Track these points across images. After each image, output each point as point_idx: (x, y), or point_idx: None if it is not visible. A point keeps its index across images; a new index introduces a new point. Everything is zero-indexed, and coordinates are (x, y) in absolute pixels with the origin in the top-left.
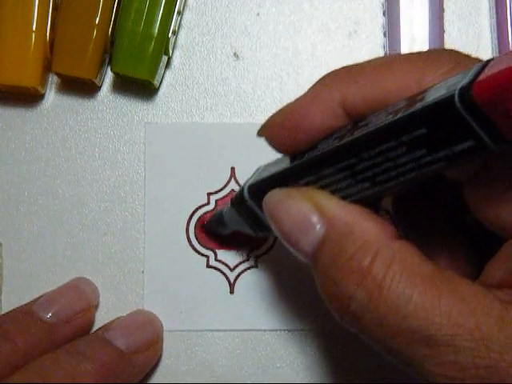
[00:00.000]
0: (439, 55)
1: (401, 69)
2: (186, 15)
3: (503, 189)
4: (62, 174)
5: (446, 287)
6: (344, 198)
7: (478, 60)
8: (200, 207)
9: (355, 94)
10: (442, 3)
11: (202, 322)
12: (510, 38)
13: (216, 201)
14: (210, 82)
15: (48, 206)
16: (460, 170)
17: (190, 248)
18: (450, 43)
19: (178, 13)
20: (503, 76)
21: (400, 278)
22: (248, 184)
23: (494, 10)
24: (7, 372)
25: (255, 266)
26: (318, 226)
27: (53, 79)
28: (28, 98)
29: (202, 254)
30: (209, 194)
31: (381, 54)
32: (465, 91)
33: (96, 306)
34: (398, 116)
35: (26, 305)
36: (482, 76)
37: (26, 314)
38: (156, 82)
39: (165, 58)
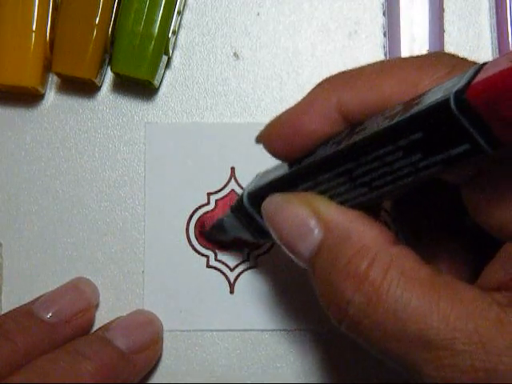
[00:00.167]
0: (436, 59)
1: (397, 73)
2: (186, 15)
3: (501, 191)
4: (62, 174)
5: (444, 291)
6: (342, 203)
7: (474, 63)
8: (200, 207)
9: (352, 99)
10: (441, 3)
11: (202, 322)
12: (510, 38)
13: (216, 201)
14: (209, 82)
15: (48, 206)
16: (457, 173)
17: (190, 248)
18: (450, 43)
19: (178, 13)
20: (497, 79)
21: (398, 283)
22: (247, 191)
23: (494, 10)
24: (7, 372)
25: (255, 266)
26: (316, 231)
27: (53, 79)
28: (28, 97)
29: (202, 254)
30: (209, 194)
31: (381, 53)
32: (460, 94)
33: (96, 306)
34: (395, 120)
35: (25, 305)
36: (477, 79)
37: (26, 313)
38: (156, 82)
39: (165, 58)
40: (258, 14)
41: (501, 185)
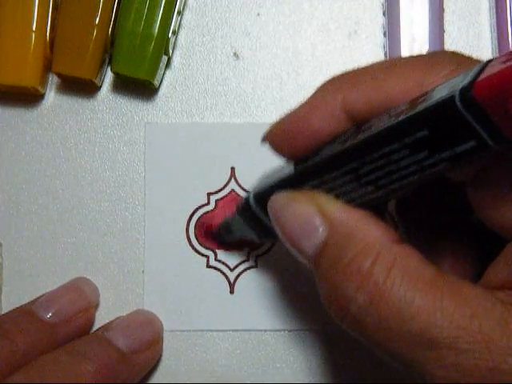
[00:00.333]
0: (441, 57)
1: (402, 72)
2: (186, 15)
3: (506, 189)
4: (62, 174)
5: (447, 290)
6: (348, 201)
7: (479, 61)
8: (200, 207)
9: (357, 98)
10: (441, 3)
11: (201, 322)
12: (510, 38)
13: (216, 201)
14: (210, 82)
15: (48, 206)
16: (463, 171)
17: (189, 248)
18: (450, 43)
19: (178, 13)
20: (503, 75)
21: (401, 282)
22: (253, 192)
23: (494, 10)
24: (7, 372)
25: (255, 266)
26: (321, 229)
27: (53, 79)
28: (28, 97)
29: (202, 254)
30: (209, 194)
31: (381, 53)
32: (465, 91)
33: (96, 306)
34: (400, 118)
35: (25, 305)
36: (483, 76)
37: (26, 313)
38: (156, 82)
39: (165, 58)
40: (258, 14)
41: (506, 182)
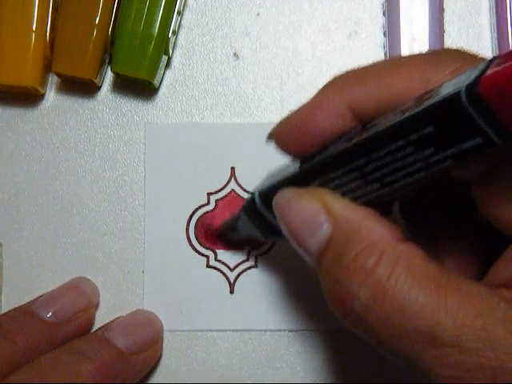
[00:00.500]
0: (446, 55)
1: (408, 69)
2: (186, 15)
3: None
4: (62, 174)
5: (451, 288)
6: (354, 199)
7: (484, 59)
8: (200, 207)
9: (363, 96)
10: (441, 3)
11: (202, 322)
12: (510, 38)
13: (216, 201)
14: (210, 82)
15: (48, 206)
16: (468, 170)
17: (189, 248)
18: (450, 43)
19: (178, 13)
20: (509, 71)
21: (405, 279)
22: (259, 190)
23: (494, 10)
24: (7, 371)
25: (255, 266)
26: (326, 226)
27: (53, 79)
28: (28, 97)
29: (202, 254)
30: (209, 194)
31: (381, 53)
32: (471, 87)
33: (96, 306)
34: (406, 115)
35: (25, 305)
36: (488, 72)
37: (25, 313)
38: (156, 82)
39: (165, 58)
40: (258, 14)
41: (511, 181)
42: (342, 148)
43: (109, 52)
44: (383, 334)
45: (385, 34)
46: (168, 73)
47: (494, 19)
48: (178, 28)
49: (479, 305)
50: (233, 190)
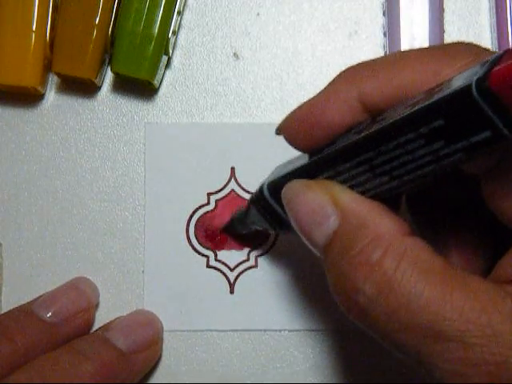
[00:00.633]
0: (457, 48)
1: (418, 63)
2: (186, 15)
3: None
4: (62, 174)
5: (457, 283)
6: (362, 192)
7: (496, 53)
8: (200, 207)
9: (373, 89)
10: (441, 3)
11: (202, 322)
12: (510, 38)
13: (216, 201)
14: (210, 81)
15: (48, 206)
16: (478, 164)
17: (189, 248)
18: None
19: (178, 13)
20: None
21: (411, 273)
22: (267, 181)
23: (494, 10)
24: (7, 371)
25: (255, 266)
26: (333, 219)
27: (53, 79)
28: (28, 97)
29: (202, 254)
30: (209, 194)
31: (381, 53)
32: (482, 81)
33: (96, 306)
34: (416, 108)
35: (25, 304)
36: (499, 66)
37: (25, 313)
38: (156, 82)
39: (165, 58)
40: (258, 14)
41: None
42: (352, 141)
43: (109, 52)
44: (388, 327)
45: (385, 34)
46: (168, 73)
47: (494, 19)
48: (178, 28)
49: (485, 300)
50: (233, 190)
